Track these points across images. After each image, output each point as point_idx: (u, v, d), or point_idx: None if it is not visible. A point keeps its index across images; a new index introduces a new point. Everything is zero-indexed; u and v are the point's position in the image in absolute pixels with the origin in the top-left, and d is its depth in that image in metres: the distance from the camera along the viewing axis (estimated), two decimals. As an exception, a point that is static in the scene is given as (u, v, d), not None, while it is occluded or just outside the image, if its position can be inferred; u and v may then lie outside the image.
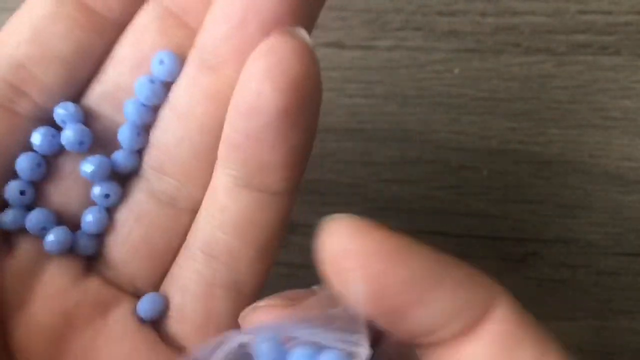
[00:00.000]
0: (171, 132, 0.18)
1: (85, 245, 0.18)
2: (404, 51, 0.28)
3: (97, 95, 0.18)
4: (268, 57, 0.16)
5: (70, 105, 0.18)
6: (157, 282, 0.19)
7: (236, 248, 0.18)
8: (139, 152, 0.19)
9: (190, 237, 0.19)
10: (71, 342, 0.18)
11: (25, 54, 0.18)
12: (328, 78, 0.28)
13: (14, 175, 0.18)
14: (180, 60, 0.18)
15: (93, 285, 0.18)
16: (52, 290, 0.18)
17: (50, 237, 0.18)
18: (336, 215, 0.14)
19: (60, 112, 0.18)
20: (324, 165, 0.28)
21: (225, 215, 0.18)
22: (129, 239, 0.19)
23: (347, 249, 0.14)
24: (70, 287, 0.18)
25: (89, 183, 0.18)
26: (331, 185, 0.28)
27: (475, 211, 0.27)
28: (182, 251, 0.19)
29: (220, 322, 0.18)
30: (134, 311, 0.18)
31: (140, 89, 0.18)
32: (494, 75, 0.28)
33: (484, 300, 0.14)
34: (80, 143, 0.18)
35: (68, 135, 0.18)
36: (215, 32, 0.17)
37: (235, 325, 0.18)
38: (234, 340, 0.16)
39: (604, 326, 0.26)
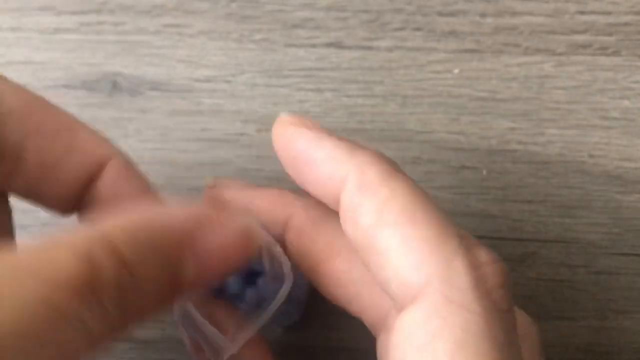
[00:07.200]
0: None
1: None
2: (403, 51, 0.28)
3: None
4: None
5: None
6: None
7: None
8: None
9: None
10: None
11: None
12: (328, 78, 0.28)
13: None
14: None
15: None
16: None
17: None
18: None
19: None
20: (324, 165, 0.28)
21: None
22: None
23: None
24: None
25: None
26: (331, 185, 0.28)
27: (475, 211, 0.27)
28: None
29: None
30: None
31: None
32: (493, 75, 0.28)
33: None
34: None
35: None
36: None
37: None
38: None
39: (604, 326, 0.26)
